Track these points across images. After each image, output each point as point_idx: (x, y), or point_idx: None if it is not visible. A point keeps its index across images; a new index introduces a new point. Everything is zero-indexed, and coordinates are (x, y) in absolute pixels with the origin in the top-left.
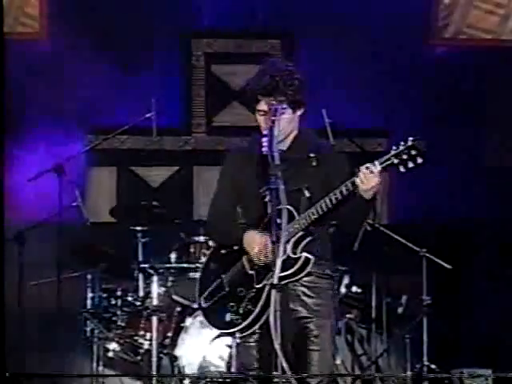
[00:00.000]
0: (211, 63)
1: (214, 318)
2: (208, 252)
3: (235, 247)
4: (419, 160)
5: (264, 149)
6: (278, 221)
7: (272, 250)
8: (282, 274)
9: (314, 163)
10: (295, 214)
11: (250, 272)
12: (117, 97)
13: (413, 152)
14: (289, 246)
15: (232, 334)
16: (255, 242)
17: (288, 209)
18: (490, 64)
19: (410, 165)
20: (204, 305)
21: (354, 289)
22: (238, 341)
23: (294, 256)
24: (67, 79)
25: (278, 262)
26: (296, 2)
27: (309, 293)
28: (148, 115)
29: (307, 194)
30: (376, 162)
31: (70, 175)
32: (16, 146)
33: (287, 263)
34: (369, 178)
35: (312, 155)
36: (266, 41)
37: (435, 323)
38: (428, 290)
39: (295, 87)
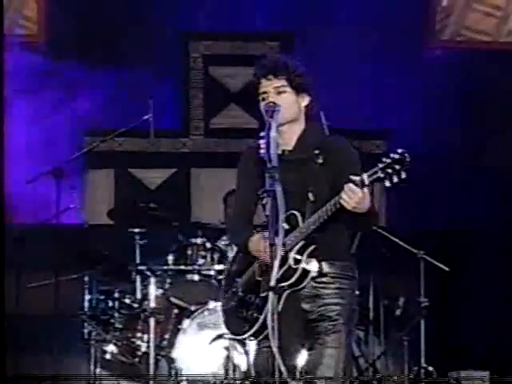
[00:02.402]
0: (209, 65)
1: (228, 321)
2: (234, 252)
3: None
4: (403, 175)
5: (261, 151)
6: (285, 226)
7: (270, 252)
8: (282, 284)
9: (320, 161)
10: (299, 218)
11: (259, 278)
12: (114, 99)
13: (397, 166)
14: (291, 255)
15: (241, 340)
16: (260, 246)
17: (293, 213)
18: (488, 65)
19: (395, 179)
20: (223, 307)
21: None
22: (252, 347)
23: (294, 266)
24: (66, 81)
25: (276, 264)
26: (295, 2)
27: (321, 293)
28: (146, 117)
29: (311, 197)
30: (364, 175)
31: (68, 177)
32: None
33: (288, 273)
34: (351, 198)
35: (317, 152)
36: (265, 43)
37: (433, 325)
38: (426, 291)
39: (296, 71)
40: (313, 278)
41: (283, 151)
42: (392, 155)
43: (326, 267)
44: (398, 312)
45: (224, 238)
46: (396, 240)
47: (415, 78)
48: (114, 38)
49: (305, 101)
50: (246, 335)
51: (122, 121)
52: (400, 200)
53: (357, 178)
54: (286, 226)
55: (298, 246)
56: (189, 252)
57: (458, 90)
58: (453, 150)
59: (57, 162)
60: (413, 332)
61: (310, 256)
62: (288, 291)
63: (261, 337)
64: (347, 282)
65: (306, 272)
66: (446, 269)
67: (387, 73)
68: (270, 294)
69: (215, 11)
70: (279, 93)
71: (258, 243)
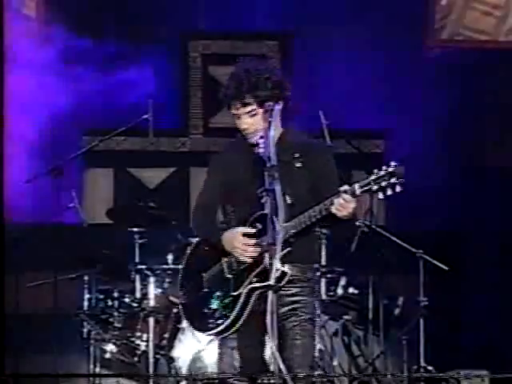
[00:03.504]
0: (208, 64)
1: (191, 316)
2: (192, 244)
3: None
4: (398, 188)
5: (261, 150)
6: (259, 225)
7: (255, 247)
8: (259, 285)
9: (299, 164)
10: (276, 221)
11: (228, 276)
12: (114, 98)
13: (392, 180)
14: (267, 257)
15: (209, 336)
16: (237, 239)
17: (266, 214)
18: (487, 64)
19: (389, 192)
20: (183, 301)
21: (351, 290)
22: (217, 345)
23: (269, 267)
24: (65, 80)
25: (276, 264)
26: (295, 2)
27: (286, 293)
28: (145, 116)
29: (288, 200)
30: (356, 186)
31: (68, 177)
32: (17, 146)
33: (263, 274)
34: (344, 207)
35: (296, 155)
36: (264, 42)
37: (432, 324)
38: (425, 291)
39: (265, 87)
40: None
41: None
42: (385, 168)
43: (288, 268)
44: (397, 311)
45: None
46: (395, 239)
47: (415, 77)
48: (114, 37)
49: (278, 105)
50: (213, 331)
51: (121, 120)
52: (399, 200)
53: (348, 188)
54: (260, 226)
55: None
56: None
57: (457, 89)
58: (452, 149)
59: (56, 161)
60: (412, 331)
61: (283, 259)
62: (258, 292)
63: (227, 333)
64: (308, 284)
65: (284, 273)
66: (446, 268)
67: (387, 72)
68: (270, 293)
69: (215, 10)
70: (251, 116)
71: (233, 237)
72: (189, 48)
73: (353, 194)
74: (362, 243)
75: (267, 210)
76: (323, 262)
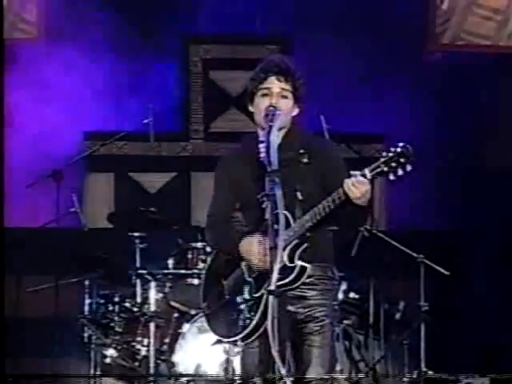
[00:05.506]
0: (209, 69)
1: (216, 325)
2: (211, 255)
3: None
4: (408, 168)
5: (262, 155)
6: (275, 226)
7: (270, 255)
8: (280, 283)
9: (306, 160)
10: (290, 219)
11: (249, 279)
12: (115, 102)
13: (402, 159)
14: (285, 254)
15: (233, 342)
16: (253, 248)
17: (284, 214)
18: (488, 69)
19: (400, 172)
20: (207, 311)
21: (352, 295)
22: (240, 349)
23: (290, 265)
24: (65, 84)
25: (276, 268)
26: (295, 5)
27: (307, 295)
28: (146, 121)
29: (300, 196)
30: (366, 170)
31: (69, 181)
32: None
33: (284, 272)
34: (357, 187)
35: (302, 151)
36: (264, 46)
37: (433, 329)
38: (426, 296)
39: (302, 79)
40: (296, 287)
41: None
42: (393, 149)
43: (309, 269)
44: (397, 316)
45: None
46: (396, 244)
47: (415, 81)
48: (113, 41)
49: (295, 111)
50: (238, 337)
51: (122, 125)
52: (399, 200)
53: (358, 173)
54: (276, 227)
55: (291, 245)
56: (189, 256)
57: (457, 94)
58: (452, 151)
59: (57, 165)
60: (413, 336)
61: (302, 255)
62: (283, 289)
63: (251, 339)
64: (330, 283)
65: (303, 269)
66: (446, 273)
67: (387, 76)
68: (271, 298)
69: (215, 15)
70: (283, 96)
71: (250, 245)
72: (189, 52)
73: (364, 178)
74: (362, 248)
75: (267, 215)
76: None
